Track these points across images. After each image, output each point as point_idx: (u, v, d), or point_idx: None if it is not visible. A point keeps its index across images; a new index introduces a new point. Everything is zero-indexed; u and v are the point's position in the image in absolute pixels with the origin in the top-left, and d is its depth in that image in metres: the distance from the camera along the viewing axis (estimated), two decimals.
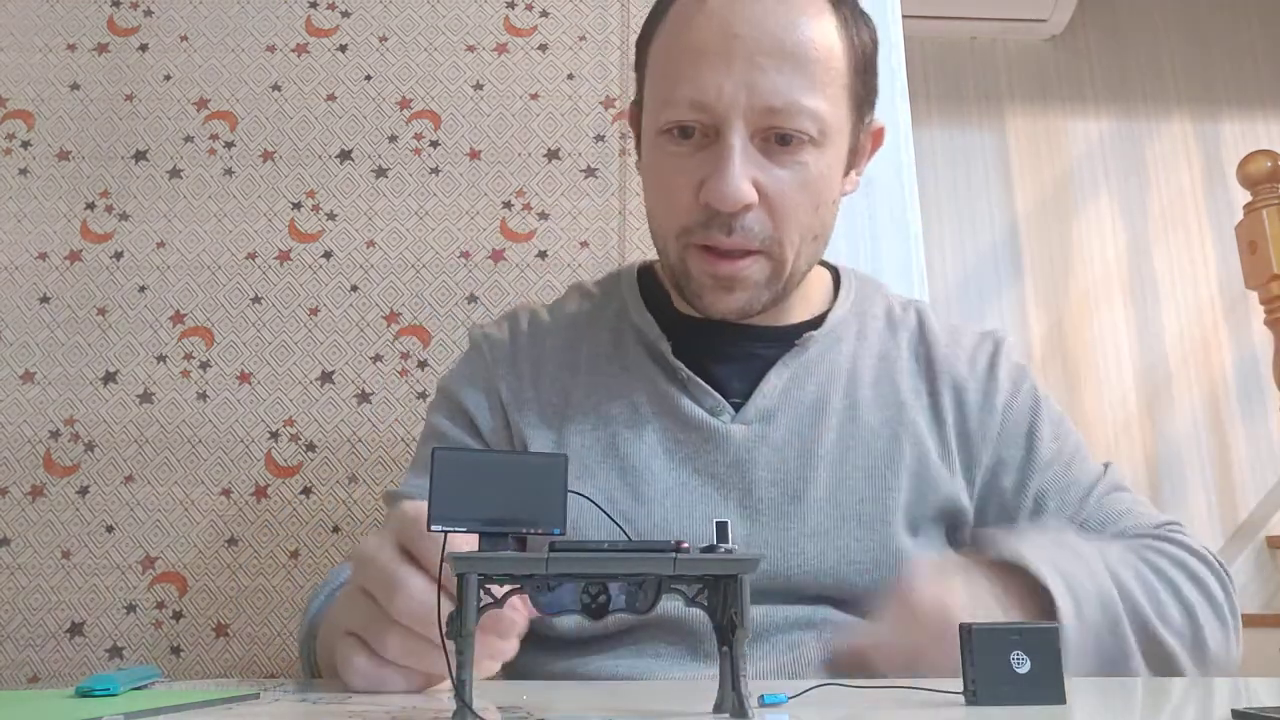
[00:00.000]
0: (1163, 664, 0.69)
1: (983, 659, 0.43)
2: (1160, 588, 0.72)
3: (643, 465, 0.78)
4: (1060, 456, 0.83)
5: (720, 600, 0.40)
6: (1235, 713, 0.36)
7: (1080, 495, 0.82)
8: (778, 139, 0.73)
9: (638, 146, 0.85)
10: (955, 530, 0.82)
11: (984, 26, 3.16)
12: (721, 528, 0.41)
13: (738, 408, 0.80)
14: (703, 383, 0.80)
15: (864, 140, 0.82)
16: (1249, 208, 2.25)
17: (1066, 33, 3.21)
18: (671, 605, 0.72)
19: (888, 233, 1.28)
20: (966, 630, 0.44)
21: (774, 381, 0.81)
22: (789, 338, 0.83)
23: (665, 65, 0.77)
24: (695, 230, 0.75)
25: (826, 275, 0.92)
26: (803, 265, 0.79)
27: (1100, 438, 2.94)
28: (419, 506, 0.53)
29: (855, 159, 0.82)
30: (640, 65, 0.83)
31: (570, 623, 0.75)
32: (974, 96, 3.15)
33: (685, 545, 0.39)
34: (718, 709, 0.41)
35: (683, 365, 0.81)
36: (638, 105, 0.84)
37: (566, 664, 0.75)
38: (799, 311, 0.86)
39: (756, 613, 0.74)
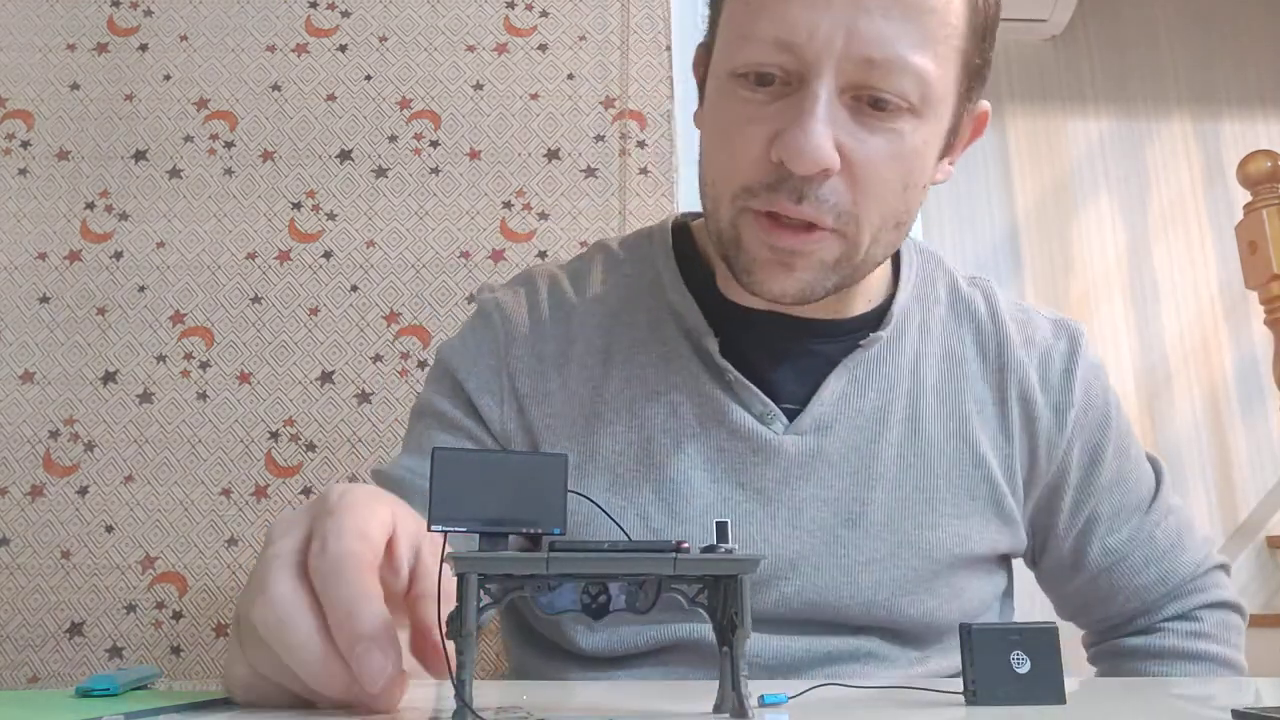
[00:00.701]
0: None
1: (982, 659, 0.43)
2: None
3: (681, 478, 0.70)
4: (1119, 476, 0.79)
5: (720, 600, 0.40)
6: (1235, 713, 0.36)
7: (1129, 522, 0.79)
8: (871, 102, 0.61)
9: (701, 96, 0.72)
10: (1010, 552, 0.79)
11: None
12: (721, 528, 0.41)
13: (789, 414, 0.72)
14: (753, 386, 0.71)
15: (966, 122, 0.71)
16: (1249, 208, 2.25)
17: (1066, 33, 3.21)
18: (700, 628, 0.68)
19: None
20: (966, 630, 0.44)
21: (833, 387, 0.72)
22: (849, 333, 0.73)
23: None
24: (759, 192, 0.63)
25: None
26: (878, 254, 0.68)
27: None
28: (347, 491, 0.45)
29: (953, 143, 0.70)
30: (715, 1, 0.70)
31: (598, 640, 0.71)
32: None
33: (685, 545, 0.39)
34: (718, 709, 0.41)
35: (730, 366, 0.71)
36: (706, 49, 0.71)
37: (583, 674, 0.72)
38: (859, 301, 0.75)
39: (798, 645, 0.70)
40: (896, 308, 0.75)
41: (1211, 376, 3.00)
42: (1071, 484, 0.77)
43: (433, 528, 0.37)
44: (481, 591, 0.37)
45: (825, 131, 0.60)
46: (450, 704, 0.37)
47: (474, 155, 1.28)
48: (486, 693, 0.53)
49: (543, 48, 1.32)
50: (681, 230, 0.81)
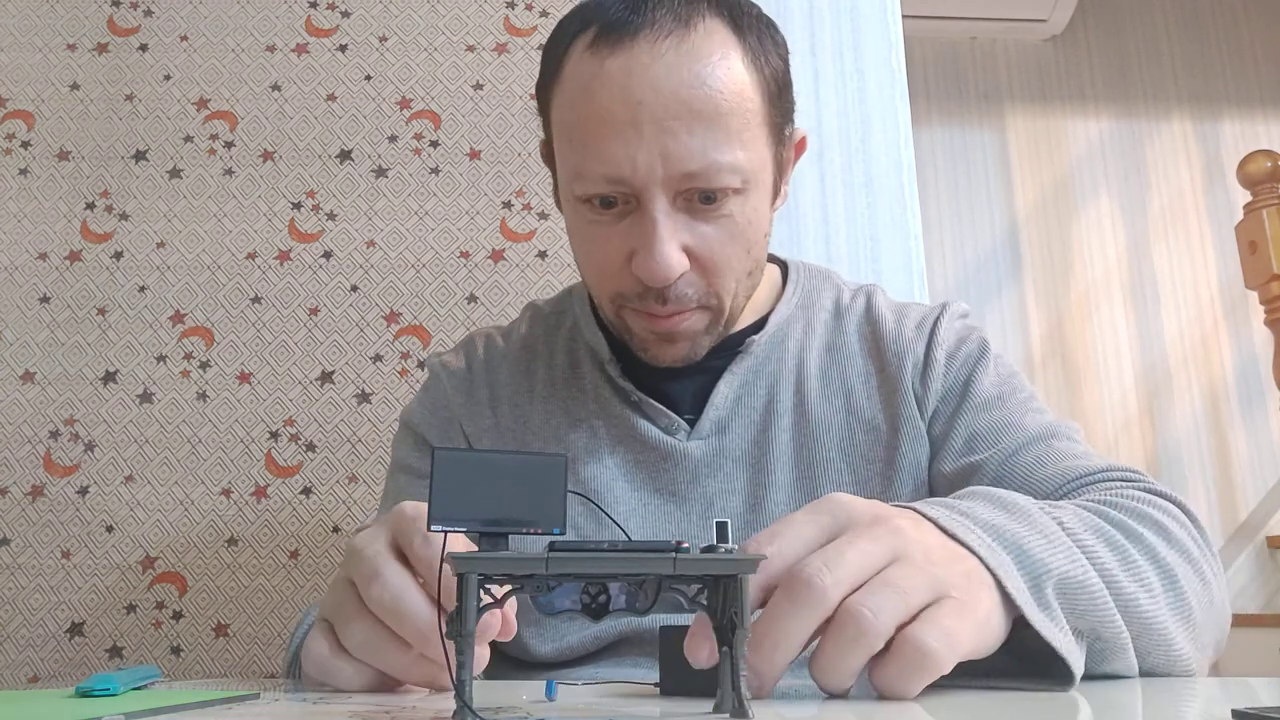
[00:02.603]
0: (1159, 647, 0.56)
1: (667, 654, 0.47)
2: (1134, 551, 0.58)
3: (604, 489, 0.78)
4: (1002, 402, 0.78)
5: (720, 600, 0.40)
6: (1235, 713, 0.36)
7: (1021, 440, 0.74)
8: (701, 197, 0.70)
9: (555, 189, 0.82)
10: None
11: (984, 26, 3.16)
12: (721, 528, 0.41)
13: (691, 422, 0.80)
14: (655, 403, 0.80)
15: (787, 155, 0.79)
16: (1249, 208, 2.25)
17: (1066, 33, 3.21)
18: (638, 621, 0.72)
19: (888, 233, 1.28)
20: (661, 629, 0.47)
21: (724, 391, 0.80)
22: (735, 345, 0.82)
23: (571, 133, 0.73)
24: (630, 298, 0.74)
25: (775, 272, 0.89)
26: (741, 301, 0.78)
27: (1100, 438, 2.94)
28: (418, 506, 0.53)
29: (781, 177, 0.79)
30: (544, 114, 0.79)
31: (550, 646, 0.75)
32: (974, 96, 3.15)
33: (685, 545, 0.39)
34: (717, 709, 0.41)
35: (633, 387, 0.81)
36: (549, 145, 0.81)
37: (548, 675, 0.75)
38: (745, 316, 0.84)
39: None
40: (776, 316, 0.84)
41: (1211, 376, 3.00)
42: (944, 412, 0.79)
43: (433, 528, 0.37)
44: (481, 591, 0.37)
45: (671, 247, 0.70)
46: (450, 704, 0.37)
47: (474, 155, 1.28)
48: (486, 693, 0.53)
49: (543, 48, 1.32)
50: None
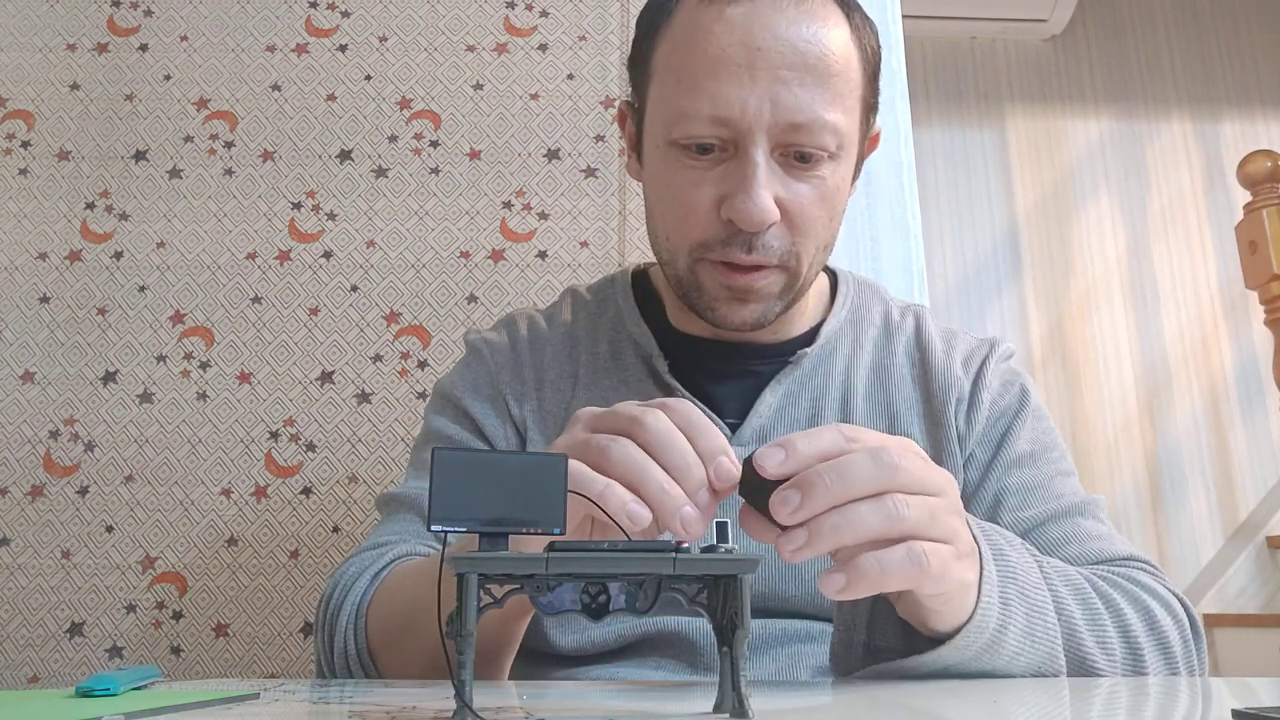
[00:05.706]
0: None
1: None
2: (1106, 617, 0.63)
3: None
4: (1033, 461, 0.79)
5: (720, 600, 0.40)
6: (1235, 713, 0.36)
7: (1047, 510, 0.76)
8: (797, 156, 0.72)
9: (634, 147, 0.82)
10: None
11: (984, 26, 3.16)
12: (721, 528, 0.41)
13: (734, 427, 0.79)
14: (699, 403, 0.79)
15: (865, 147, 0.82)
16: (1249, 208, 2.25)
17: (1066, 33, 3.21)
18: (670, 619, 0.72)
19: (888, 233, 1.28)
20: None
21: (769, 400, 0.80)
22: (784, 354, 0.82)
23: (679, 75, 0.73)
24: (713, 246, 0.74)
25: (824, 281, 0.90)
26: (813, 275, 0.79)
27: (1100, 438, 2.95)
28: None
29: (859, 164, 0.81)
30: (640, 65, 0.79)
31: (570, 639, 0.75)
32: (974, 96, 3.15)
33: (685, 545, 0.39)
34: (717, 709, 0.41)
35: (679, 385, 0.81)
36: (632, 106, 0.82)
37: (566, 672, 0.75)
38: (797, 324, 0.85)
39: (754, 625, 0.73)
40: (826, 329, 0.85)
41: (1211, 376, 3.00)
42: (978, 460, 0.80)
43: (432, 528, 0.37)
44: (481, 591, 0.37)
45: (767, 193, 0.71)
46: (450, 704, 0.37)
47: (474, 155, 1.28)
48: (486, 693, 0.53)
49: (543, 48, 1.32)
50: (640, 274, 0.92)
